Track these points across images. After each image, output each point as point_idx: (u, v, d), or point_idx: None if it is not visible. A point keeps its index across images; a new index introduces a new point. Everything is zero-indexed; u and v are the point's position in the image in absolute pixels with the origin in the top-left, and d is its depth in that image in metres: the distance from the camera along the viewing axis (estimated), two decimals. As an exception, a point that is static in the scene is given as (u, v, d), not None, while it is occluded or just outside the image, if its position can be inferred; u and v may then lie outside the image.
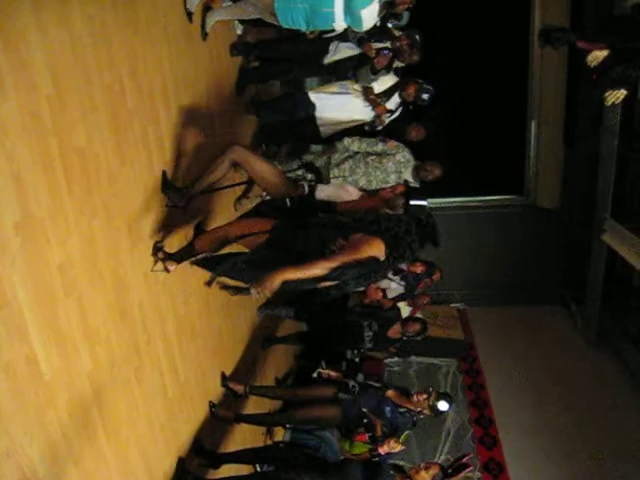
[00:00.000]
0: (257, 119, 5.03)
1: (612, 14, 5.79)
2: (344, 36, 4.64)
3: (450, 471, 3.39)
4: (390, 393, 4.18)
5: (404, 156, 4.80)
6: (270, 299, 5.43)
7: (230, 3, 4.38)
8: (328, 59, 4.77)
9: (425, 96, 4.71)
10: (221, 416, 4.15)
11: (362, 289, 5.42)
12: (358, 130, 5.01)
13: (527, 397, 6.79)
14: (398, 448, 3.77)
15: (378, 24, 4.20)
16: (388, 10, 4.26)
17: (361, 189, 4.16)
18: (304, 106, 4.73)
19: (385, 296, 5.56)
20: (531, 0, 7.25)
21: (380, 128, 4.92)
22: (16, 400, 2.14)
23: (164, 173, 3.41)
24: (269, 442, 4.94)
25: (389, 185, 4.51)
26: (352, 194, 3.86)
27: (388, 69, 4.77)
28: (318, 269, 2.89)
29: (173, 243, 3.51)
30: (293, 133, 4.95)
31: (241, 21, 4.76)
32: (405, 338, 5.03)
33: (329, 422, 4.43)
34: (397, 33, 4.81)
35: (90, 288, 2.66)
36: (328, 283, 3.09)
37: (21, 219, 2.20)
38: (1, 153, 2.12)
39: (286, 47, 4.89)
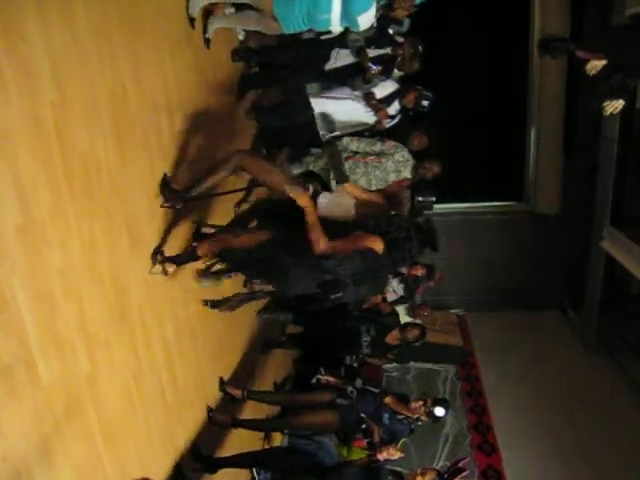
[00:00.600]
0: (257, 124, 5.04)
1: (610, 24, 5.83)
2: (343, 43, 4.66)
3: (446, 476, 3.39)
4: (388, 400, 4.18)
5: (403, 155, 4.80)
6: (269, 303, 5.44)
7: (232, 10, 4.40)
8: (329, 66, 4.79)
9: (425, 103, 4.72)
10: (218, 421, 4.15)
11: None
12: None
13: (525, 403, 6.79)
14: (397, 455, 3.77)
15: (375, 25, 4.23)
16: (388, 14, 4.29)
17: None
18: (303, 110, 4.74)
19: (385, 300, 5.56)
20: (531, 9, 7.30)
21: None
22: (14, 403, 2.14)
23: (164, 175, 3.42)
24: (267, 446, 4.94)
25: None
26: (349, 206, 3.87)
27: (387, 75, 4.79)
28: (321, 239, 2.97)
29: (172, 246, 3.52)
30: (293, 137, 4.96)
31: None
32: (404, 344, 5.03)
33: (327, 428, 4.43)
34: (399, 39, 4.82)
35: (90, 291, 2.67)
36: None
37: (22, 222, 2.21)
38: (3, 156, 2.13)
39: (287, 53, 4.91)
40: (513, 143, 8.32)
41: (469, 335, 8.25)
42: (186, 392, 3.76)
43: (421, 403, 4.06)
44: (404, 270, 5.43)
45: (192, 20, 3.96)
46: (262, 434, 4.98)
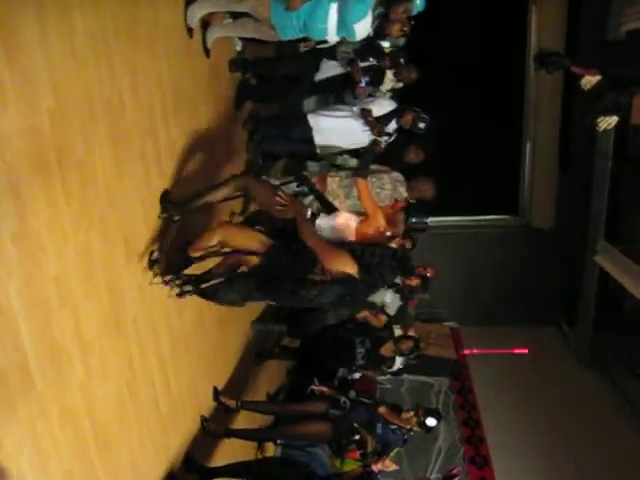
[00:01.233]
0: (254, 134, 5.05)
1: (606, 39, 5.89)
2: (332, 54, 4.72)
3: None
4: (382, 409, 4.19)
5: (398, 175, 4.85)
6: (263, 315, 5.44)
7: (231, 21, 4.44)
8: (318, 77, 4.86)
9: (422, 125, 4.75)
10: (212, 430, 4.14)
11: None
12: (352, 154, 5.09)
13: (519, 416, 6.79)
14: (392, 467, 3.78)
15: (371, 34, 4.28)
16: (383, 31, 4.35)
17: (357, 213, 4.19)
18: (302, 128, 4.78)
19: (386, 313, 5.56)
20: (528, 24, 7.37)
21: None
22: (8, 410, 2.14)
23: (165, 190, 3.44)
24: (260, 457, 4.93)
25: (385, 204, 4.56)
26: (349, 228, 3.88)
27: (376, 86, 4.84)
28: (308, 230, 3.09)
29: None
30: (290, 150, 5.00)
31: (241, 37, 4.82)
32: (402, 357, 5.04)
33: (320, 438, 4.43)
34: (385, 50, 4.90)
35: (85, 300, 2.67)
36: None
37: (18, 230, 2.22)
38: (0, 163, 2.14)
39: (283, 65, 4.96)
40: (508, 157, 8.38)
41: (463, 348, 8.24)
42: (180, 401, 3.75)
43: (412, 414, 4.07)
44: (399, 280, 5.43)
45: (190, 30, 3.99)
46: (255, 444, 4.97)
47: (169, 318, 3.62)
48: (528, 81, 7.77)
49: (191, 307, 3.96)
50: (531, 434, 6.52)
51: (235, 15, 4.36)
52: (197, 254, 3.51)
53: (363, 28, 3.91)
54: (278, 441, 4.98)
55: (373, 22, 4.01)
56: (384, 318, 5.46)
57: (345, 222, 3.85)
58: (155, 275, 3.32)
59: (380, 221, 3.86)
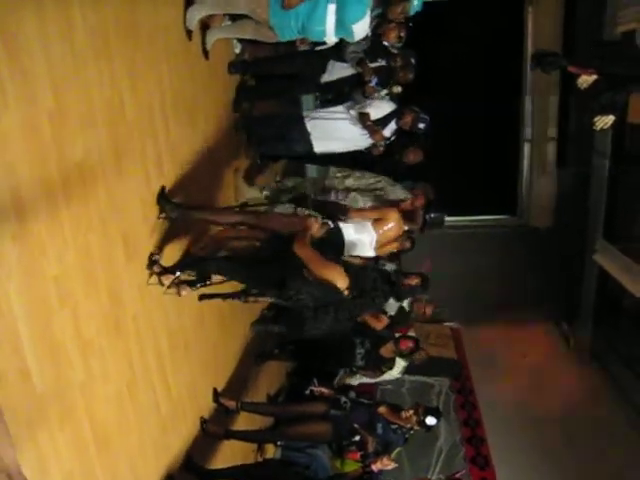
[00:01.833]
0: (246, 134, 5.04)
1: (602, 40, 5.90)
2: (340, 55, 4.70)
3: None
4: (382, 409, 4.18)
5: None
6: (263, 316, 5.44)
7: (229, 23, 4.45)
8: (325, 79, 4.84)
9: (421, 125, 4.74)
10: (212, 432, 4.14)
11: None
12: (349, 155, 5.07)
13: (519, 416, 6.78)
14: (391, 465, 3.77)
15: (369, 35, 4.29)
16: (381, 36, 4.37)
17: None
18: (299, 132, 4.77)
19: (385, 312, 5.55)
20: (524, 25, 7.39)
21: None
22: (7, 412, 2.13)
23: (162, 187, 3.45)
24: (260, 459, 4.92)
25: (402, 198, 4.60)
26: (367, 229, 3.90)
27: (384, 86, 4.83)
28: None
29: (168, 256, 3.53)
30: (287, 149, 4.98)
31: (239, 40, 4.82)
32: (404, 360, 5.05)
33: (320, 438, 4.43)
34: (393, 50, 4.88)
35: (85, 300, 2.67)
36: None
37: (18, 231, 2.22)
38: (1, 164, 2.14)
39: (282, 65, 4.96)
40: (507, 158, 8.39)
41: (463, 348, 8.23)
42: (179, 402, 3.75)
43: (412, 412, 4.07)
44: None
45: (189, 32, 3.99)
46: (255, 446, 4.96)
47: (169, 319, 3.62)
48: (525, 81, 7.78)
49: (191, 307, 3.96)
50: (532, 434, 6.51)
51: (234, 17, 4.37)
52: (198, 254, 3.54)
53: (362, 29, 3.91)
54: (278, 443, 4.97)
55: (371, 22, 4.02)
56: (385, 320, 5.44)
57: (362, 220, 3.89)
58: (151, 275, 3.33)
59: (393, 214, 3.88)
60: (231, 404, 4.42)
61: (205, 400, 4.25)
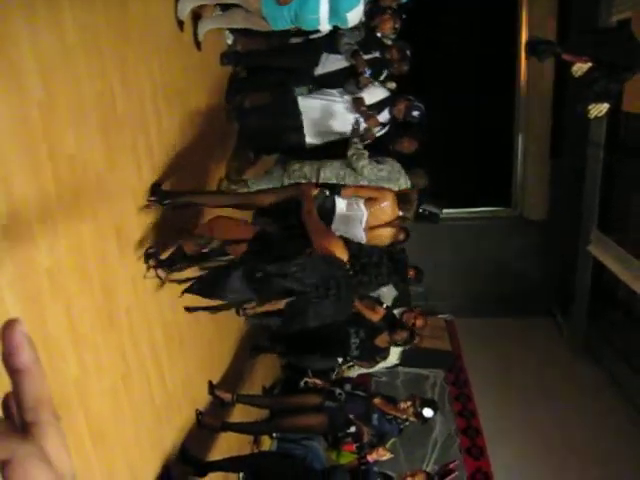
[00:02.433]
0: (238, 125, 5.01)
1: (597, 27, 5.89)
2: (334, 47, 4.67)
3: (436, 477, 3.41)
4: (377, 401, 4.19)
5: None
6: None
7: (220, 13, 4.42)
8: (319, 71, 4.81)
9: (415, 113, 4.69)
10: (207, 424, 4.14)
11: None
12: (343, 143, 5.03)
13: (514, 407, 6.80)
14: (387, 456, 3.78)
15: (363, 20, 4.27)
16: (375, 27, 4.35)
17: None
18: (291, 116, 4.72)
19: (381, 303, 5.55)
20: (519, 13, 7.36)
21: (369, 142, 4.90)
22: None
23: (156, 181, 3.43)
24: (256, 451, 4.93)
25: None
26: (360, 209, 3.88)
27: (377, 77, 4.80)
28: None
29: (162, 248, 3.51)
30: (278, 140, 4.93)
31: (231, 31, 4.79)
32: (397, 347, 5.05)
33: (316, 430, 4.43)
34: (387, 42, 4.85)
35: (78, 293, 2.66)
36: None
37: (9, 223, 2.20)
38: (-10, 157, 2.12)
39: (275, 57, 4.93)
40: (501, 149, 8.38)
41: (457, 340, 8.26)
42: (175, 395, 3.74)
43: (409, 404, 4.08)
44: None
45: (181, 23, 3.97)
46: (251, 438, 4.96)
47: (163, 311, 3.61)
48: (519, 71, 7.76)
49: (185, 300, 3.95)
50: (527, 425, 6.53)
51: (225, 7, 4.34)
52: (190, 250, 3.52)
53: (356, 16, 3.90)
54: (274, 435, 4.98)
55: (364, 10, 4.00)
56: (382, 311, 5.44)
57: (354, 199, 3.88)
58: (149, 269, 3.31)
59: (387, 194, 3.87)
60: (227, 396, 4.43)
61: (200, 392, 4.25)
